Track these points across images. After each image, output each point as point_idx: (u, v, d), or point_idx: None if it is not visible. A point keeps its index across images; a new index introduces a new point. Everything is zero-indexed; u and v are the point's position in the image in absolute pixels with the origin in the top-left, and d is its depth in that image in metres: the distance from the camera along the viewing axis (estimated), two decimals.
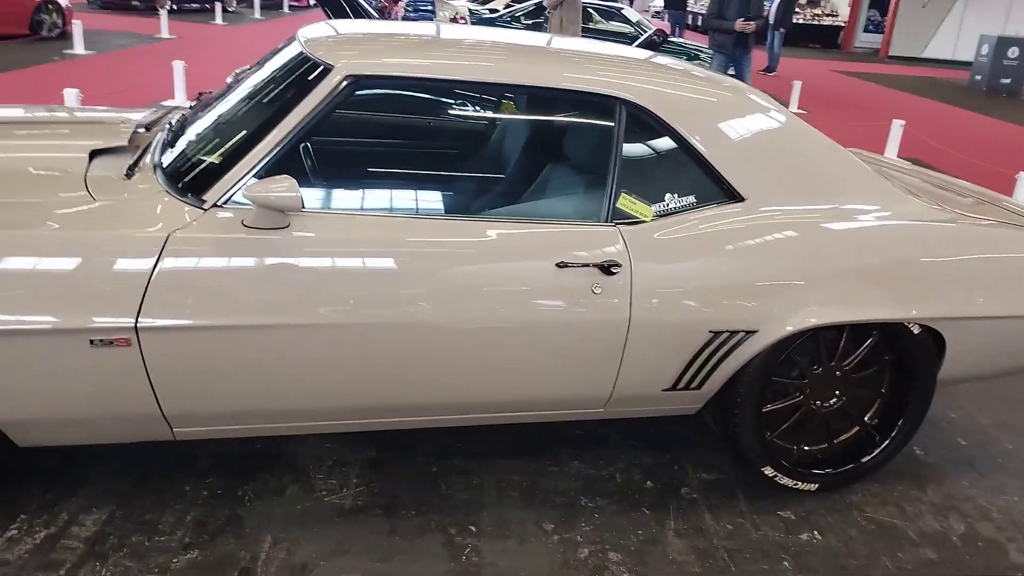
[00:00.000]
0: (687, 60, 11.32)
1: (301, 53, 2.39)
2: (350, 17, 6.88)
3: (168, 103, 2.98)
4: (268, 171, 2.08)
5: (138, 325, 1.94)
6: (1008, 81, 15.64)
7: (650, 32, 9.62)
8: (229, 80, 2.77)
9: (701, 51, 11.99)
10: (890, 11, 22.56)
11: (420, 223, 2.18)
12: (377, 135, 3.15)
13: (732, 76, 8.43)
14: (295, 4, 24.80)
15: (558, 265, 2.20)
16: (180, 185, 2.13)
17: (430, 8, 15.47)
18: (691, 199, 2.37)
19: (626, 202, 2.32)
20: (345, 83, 2.16)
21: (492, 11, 13.22)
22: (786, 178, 2.45)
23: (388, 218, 2.17)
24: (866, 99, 13.37)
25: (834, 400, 2.59)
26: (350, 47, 2.34)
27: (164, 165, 2.25)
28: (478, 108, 3.13)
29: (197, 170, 2.17)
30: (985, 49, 15.91)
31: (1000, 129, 11.16)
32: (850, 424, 2.68)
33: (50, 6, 11.98)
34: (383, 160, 3.09)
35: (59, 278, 1.90)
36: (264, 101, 2.35)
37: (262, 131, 2.14)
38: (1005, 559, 2.42)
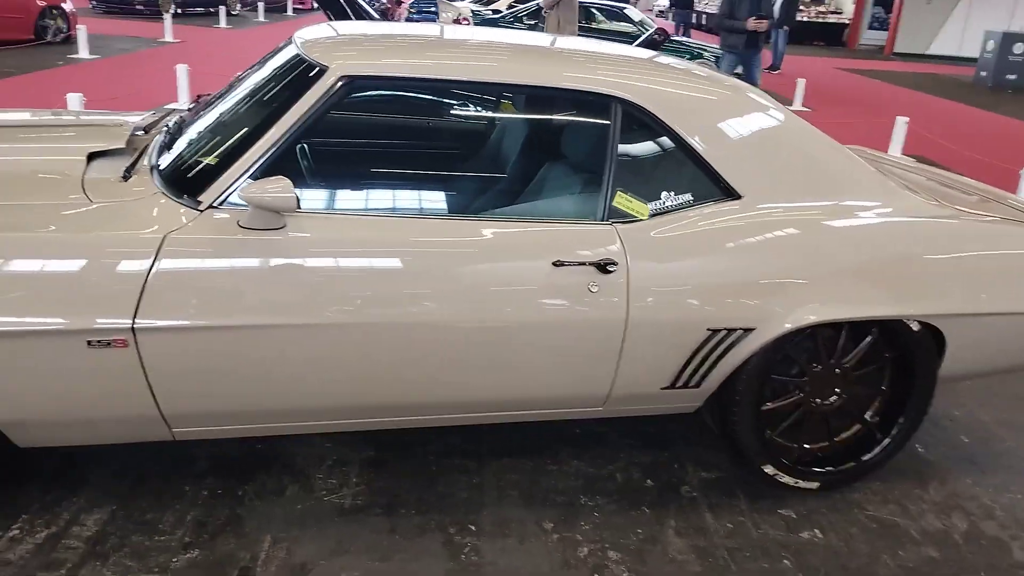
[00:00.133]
0: (690, 59, 11.33)
1: (297, 55, 2.40)
2: (351, 19, 6.88)
3: (171, 106, 2.98)
4: (264, 172, 2.09)
5: (135, 326, 1.95)
6: (1014, 77, 15.58)
7: (651, 31, 9.61)
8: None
9: (705, 50, 12.00)
10: (895, 8, 22.51)
11: (416, 223, 2.18)
12: (373, 136, 3.15)
13: (741, 76, 8.45)
14: (299, 7, 24.88)
15: (554, 264, 2.20)
16: (176, 187, 2.13)
17: (434, 9, 15.49)
18: (688, 197, 2.37)
19: (622, 200, 2.32)
20: (340, 84, 2.17)
21: (495, 12, 13.23)
22: (783, 175, 2.44)
23: (384, 218, 2.17)
24: (871, 96, 13.34)
25: (834, 398, 2.58)
26: (345, 48, 2.34)
27: (161, 167, 2.26)
28: (474, 108, 3.13)
29: (193, 172, 2.17)
30: (990, 45, 15.86)
31: (1005, 125, 11.12)
32: (851, 422, 2.67)
33: (55, 11, 12.06)
34: (379, 161, 3.10)
35: (56, 280, 1.91)
36: (260, 103, 2.36)
37: (258, 132, 2.15)
38: (1008, 557, 2.41)
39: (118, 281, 1.94)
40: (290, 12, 24.44)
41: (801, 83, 11.23)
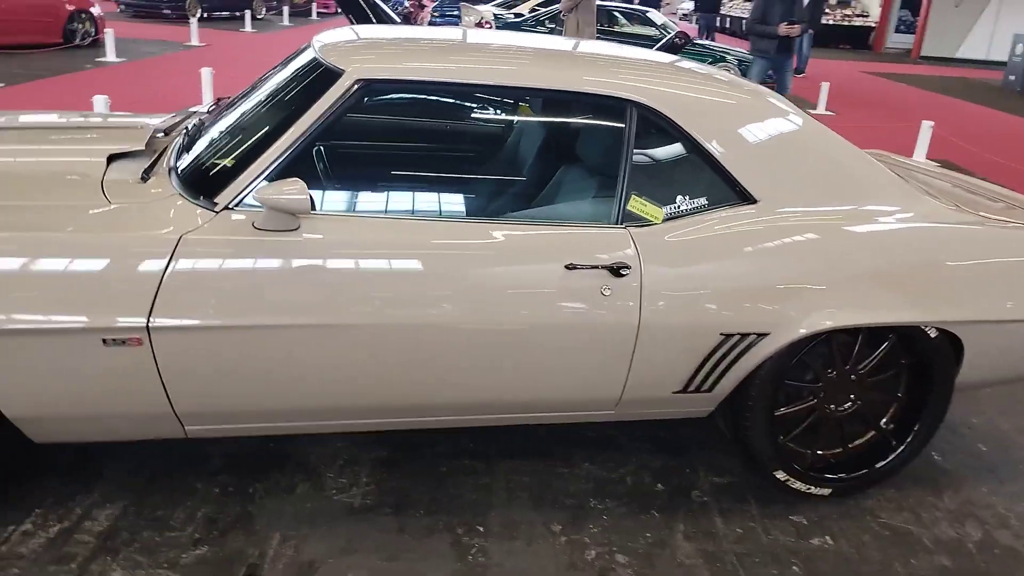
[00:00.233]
0: (712, 63, 11.27)
1: (314, 58, 2.42)
2: (372, 23, 6.92)
3: (196, 109, 3.02)
4: (279, 174, 2.11)
5: (150, 325, 1.97)
6: None
7: (672, 35, 9.57)
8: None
9: (728, 53, 11.94)
10: (922, 11, 22.27)
11: (430, 225, 2.19)
12: (389, 138, 3.17)
13: (772, 81, 8.39)
14: (324, 11, 25.04)
15: (567, 267, 2.20)
16: (193, 188, 2.16)
17: (457, 13, 15.55)
18: (703, 201, 2.36)
19: (636, 204, 2.32)
20: (356, 87, 2.19)
21: (517, 15, 13.24)
22: (800, 180, 2.43)
23: (398, 221, 2.18)
24: (896, 100, 13.20)
25: (849, 404, 2.56)
26: (362, 52, 2.36)
27: (179, 168, 2.29)
28: (489, 111, 3.14)
29: (210, 173, 2.20)
30: (1019, 49, 15.64)
31: None
32: (866, 429, 2.65)
33: (83, 15, 12.23)
34: (394, 163, 3.11)
35: (73, 279, 1.94)
36: (277, 106, 2.39)
37: (274, 135, 2.17)
38: (1022, 567, 2.37)
39: (134, 281, 1.97)
40: (315, 16, 24.62)
41: (825, 87, 11.14)
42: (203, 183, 2.17)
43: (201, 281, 2.01)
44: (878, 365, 2.53)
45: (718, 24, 21.10)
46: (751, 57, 8.55)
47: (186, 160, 2.33)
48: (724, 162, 2.36)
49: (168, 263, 1.98)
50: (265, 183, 2.09)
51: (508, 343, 2.22)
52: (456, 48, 2.51)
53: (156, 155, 2.49)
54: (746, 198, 2.38)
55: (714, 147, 2.35)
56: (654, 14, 13.26)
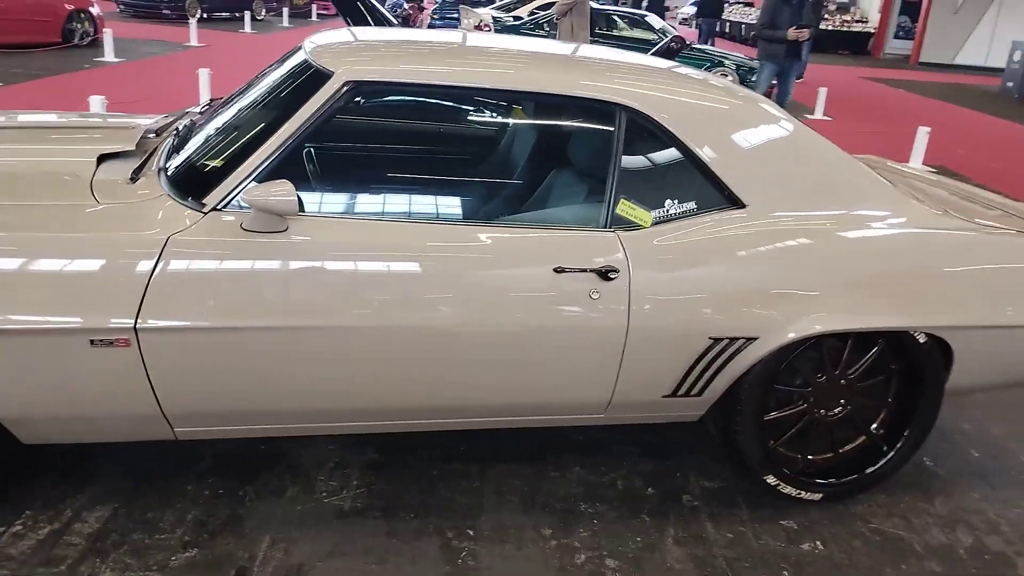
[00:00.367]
0: (710, 67, 11.26)
1: (304, 60, 2.42)
2: (370, 25, 6.93)
3: (193, 110, 3.03)
4: (268, 175, 2.11)
5: (137, 326, 1.97)
6: None
7: (667, 39, 9.56)
8: None
9: (726, 58, 11.95)
10: (921, 17, 22.31)
11: (419, 228, 2.19)
12: (378, 141, 3.17)
13: (775, 86, 8.39)
14: (324, 12, 25.05)
15: (555, 270, 2.20)
16: (182, 189, 2.16)
17: (456, 16, 15.57)
18: (691, 205, 2.36)
19: (625, 208, 2.32)
20: (345, 89, 2.19)
21: (516, 18, 13.26)
22: (789, 185, 2.43)
23: (387, 223, 2.18)
24: (894, 106, 13.23)
25: (839, 409, 2.56)
26: (352, 54, 2.36)
27: (168, 169, 2.29)
28: (480, 114, 3.14)
29: (199, 174, 2.20)
30: (1017, 55, 15.66)
31: None
32: (856, 433, 2.65)
33: (82, 15, 12.24)
34: (384, 166, 3.11)
35: (61, 279, 1.94)
36: (267, 107, 2.39)
37: (262, 136, 2.17)
38: (1012, 572, 2.37)
39: (121, 281, 1.96)
40: (314, 17, 24.64)
41: (822, 92, 11.16)
42: (192, 184, 2.17)
43: (189, 282, 2.01)
44: (868, 370, 2.53)
45: (718, 29, 21.14)
46: (749, 61, 8.56)
47: (175, 161, 2.33)
48: (713, 166, 2.36)
49: (156, 264, 1.98)
50: (253, 184, 2.09)
51: (495, 346, 2.22)
52: (446, 51, 2.51)
53: (146, 156, 2.49)
54: (735, 202, 2.38)
55: (703, 151, 2.35)
56: (652, 18, 13.28)
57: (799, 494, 2.57)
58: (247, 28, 18.23)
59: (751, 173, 2.39)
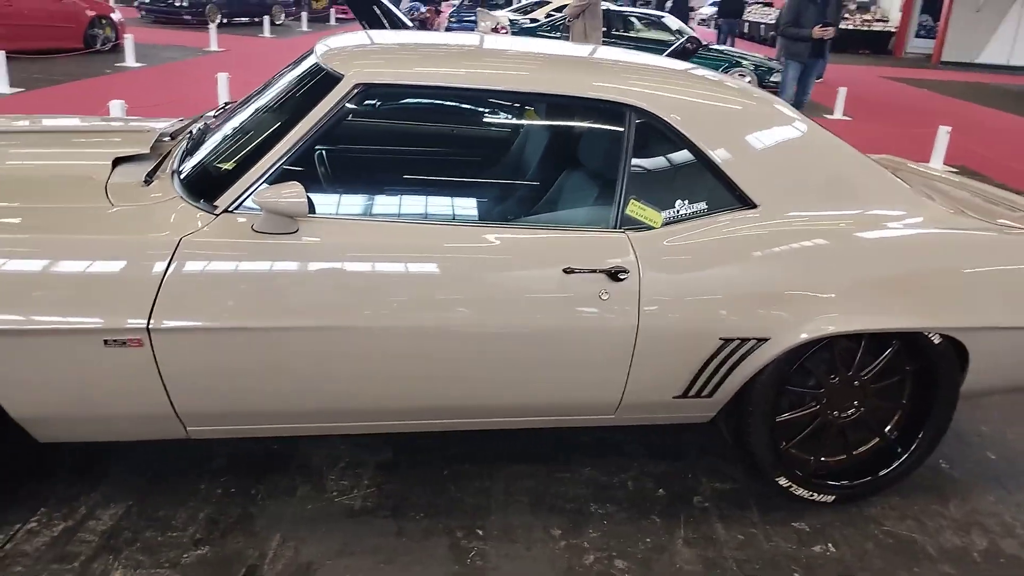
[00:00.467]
0: (727, 68, 11.19)
1: (316, 63, 2.44)
2: (385, 28, 6.97)
3: (209, 114, 3.06)
4: (279, 177, 2.13)
5: (150, 326, 2.00)
6: None
7: (682, 40, 9.52)
8: None
9: (744, 58, 11.90)
10: (943, 16, 22.09)
11: (428, 229, 2.20)
12: (389, 143, 3.19)
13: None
14: (342, 16, 25.20)
15: (565, 271, 2.20)
16: (195, 191, 2.19)
17: (473, 19, 15.60)
18: (702, 206, 2.36)
19: (635, 208, 2.32)
20: (355, 91, 2.21)
21: (533, 20, 13.27)
22: (801, 185, 2.42)
23: (396, 224, 2.19)
24: (915, 105, 13.10)
25: (852, 411, 2.54)
26: (362, 57, 2.38)
27: (181, 172, 2.32)
28: (490, 116, 3.15)
29: (211, 177, 2.23)
30: None
31: None
32: (870, 435, 2.62)
33: (103, 21, 12.41)
34: (395, 168, 3.13)
35: (75, 280, 1.97)
36: (278, 110, 2.41)
37: (274, 138, 2.19)
38: None
39: (134, 282, 1.99)
40: (333, 22, 24.79)
41: (842, 92, 11.08)
42: (204, 186, 2.19)
43: (201, 283, 2.03)
44: (882, 371, 2.51)
45: (737, 30, 21.06)
46: (768, 62, 8.51)
47: (188, 164, 2.36)
48: (724, 167, 2.35)
49: (168, 265, 2.00)
50: (264, 186, 2.10)
51: (506, 346, 2.22)
52: (456, 53, 2.52)
53: (160, 159, 2.52)
54: (746, 203, 2.37)
55: (714, 152, 2.35)
56: (669, 19, 13.24)
57: (811, 496, 2.55)
58: (266, 33, 18.38)
59: (762, 173, 2.38)
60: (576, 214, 2.41)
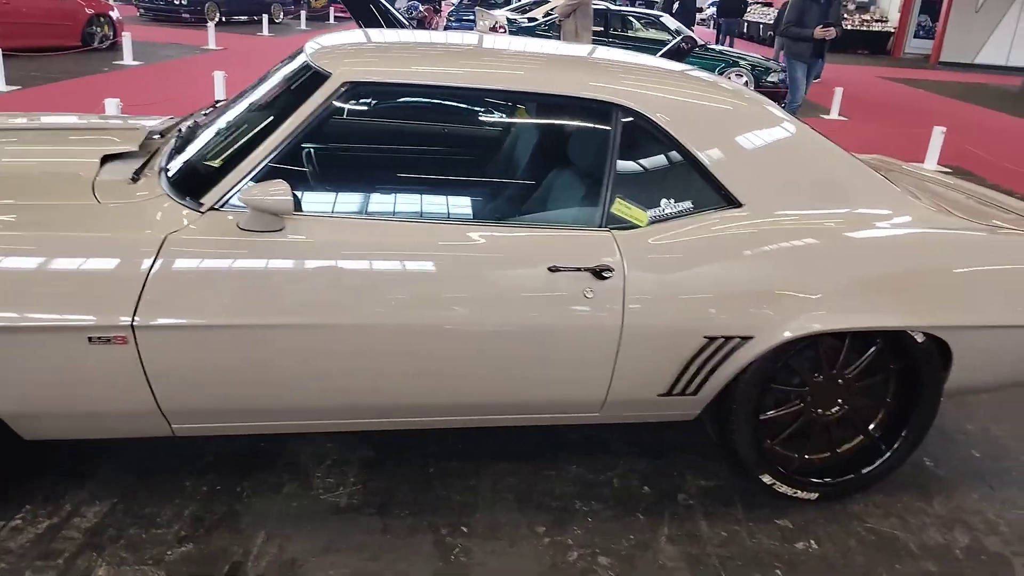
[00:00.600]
0: (724, 67, 11.16)
1: (305, 62, 2.45)
2: (382, 26, 6.98)
3: (203, 112, 3.07)
4: (265, 176, 2.14)
5: (135, 324, 2.01)
6: None
7: (677, 40, 9.51)
8: None
9: (742, 58, 11.89)
10: (941, 16, 22.10)
11: (416, 228, 2.21)
12: (375, 141, 3.20)
13: (785, 86, 8.34)
14: (341, 15, 25.21)
15: (550, 269, 2.21)
16: (181, 189, 2.20)
17: (472, 18, 15.61)
18: (688, 205, 2.37)
19: (620, 207, 2.33)
20: (343, 90, 2.22)
21: (531, 20, 13.28)
22: (786, 185, 2.43)
23: (382, 223, 2.20)
24: (912, 106, 13.11)
25: (836, 409, 2.56)
26: (351, 55, 2.39)
27: (168, 169, 2.33)
28: (477, 115, 3.16)
29: (198, 174, 2.24)
30: None
31: None
32: (854, 433, 2.64)
33: (102, 19, 12.42)
34: (381, 166, 3.14)
35: (60, 277, 1.98)
36: (266, 108, 2.42)
37: (260, 137, 2.20)
38: (1010, 573, 2.36)
39: (119, 280, 2.00)
40: (332, 20, 24.80)
41: (839, 92, 11.09)
42: (191, 184, 2.20)
43: (186, 280, 2.04)
44: (866, 370, 2.53)
45: (736, 30, 21.08)
46: (765, 62, 8.52)
47: (176, 161, 2.37)
48: (710, 166, 2.36)
49: (153, 262, 2.01)
50: (250, 184, 2.12)
51: (491, 344, 2.23)
52: (445, 52, 2.53)
53: (148, 156, 2.53)
54: (732, 202, 2.38)
55: (699, 151, 2.36)
56: (667, 19, 13.24)
57: (795, 493, 2.56)
58: (265, 31, 18.39)
59: (749, 173, 2.39)
60: (563, 213, 2.42)
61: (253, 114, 2.44)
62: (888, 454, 2.60)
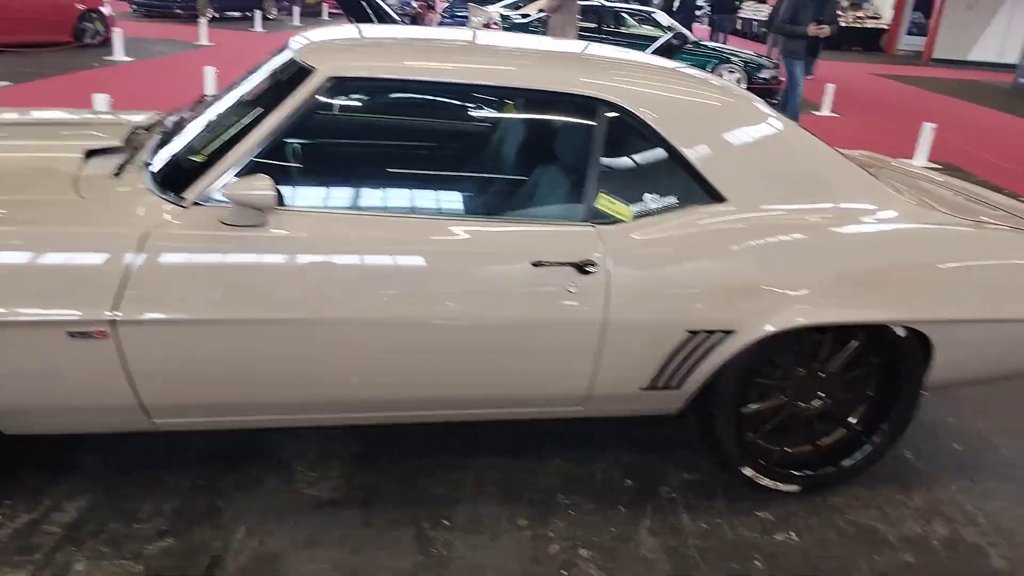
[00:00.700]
0: (716, 64, 11.16)
1: (291, 57, 2.45)
2: (373, 22, 6.96)
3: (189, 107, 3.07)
4: (248, 170, 2.14)
5: (115, 318, 2.01)
6: None
7: (668, 36, 9.50)
8: None
9: (735, 55, 11.90)
10: (934, 13, 22.14)
11: (397, 222, 2.21)
12: (361, 136, 3.20)
13: (781, 82, 8.35)
14: (335, 11, 25.13)
15: (534, 264, 2.22)
16: (164, 183, 2.20)
17: (466, 14, 15.58)
18: (671, 200, 2.37)
19: (604, 202, 2.34)
20: (327, 85, 2.22)
21: (524, 16, 13.26)
22: (770, 180, 2.44)
23: (365, 217, 2.21)
24: (904, 103, 13.14)
25: (818, 402, 2.57)
26: (336, 50, 2.39)
27: (152, 164, 2.33)
28: (462, 110, 3.17)
29: (181, 169, 2.24)
30: None
31: None
32: (835, 426, 2.65)
33: (93, 14, 12.36)
34: (366, 161, 3.14)
35: (40, 271, 1.98)
36: (250, 103, 2.42)
37: (244, 132, 2.20)
38: (986, 564, 2.37)
39: (100, 274, 2.00)
40: (325, 16, 24.72)
41: (830, 88, 11.10)
42: (173, 178, 2.20)
43: (167, 275, 2.04)
44: (847, 364, 2.54)
45: (730, 26, 21.08)
46: (757, 58, 8.53)
47: (159, 156, 2.37)
48: (693, 162, 2.37)
49: (135, 257, 2.01)
50: (233, 179, 2.12)
51: (474, 338, 2.24)
52: (431, 48, 2.54)
53: (132, 151, 2.53)
54: (716, 197, 2.39)
55: (683, 147, 2.36)
56: (660, 15, 13.24)
57: (776, 486, 2.58)
58: (258, 27, 18.32)
59: (733, 168, 2.40)
60: (546, 208, 2.43)
61: (238, 109, 2.44)
62: (867, 447, 2.61)
